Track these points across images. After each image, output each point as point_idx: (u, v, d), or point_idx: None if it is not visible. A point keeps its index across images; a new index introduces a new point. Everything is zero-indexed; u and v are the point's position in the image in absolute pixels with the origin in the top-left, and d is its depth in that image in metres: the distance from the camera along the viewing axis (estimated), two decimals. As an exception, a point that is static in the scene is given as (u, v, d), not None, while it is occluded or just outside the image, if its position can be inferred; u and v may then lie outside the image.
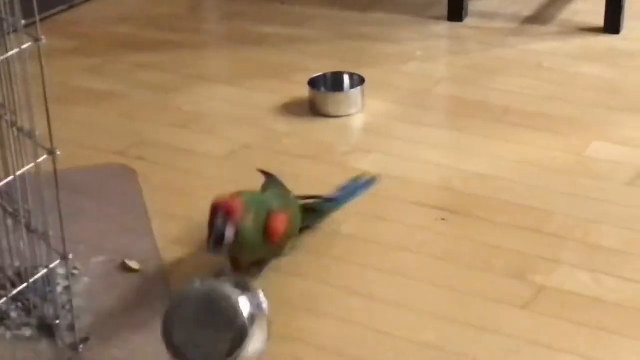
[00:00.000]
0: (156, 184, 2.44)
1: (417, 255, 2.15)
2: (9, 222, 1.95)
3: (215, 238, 1.91)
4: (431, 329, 1.93)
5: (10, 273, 1.98)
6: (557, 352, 1.85)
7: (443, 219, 2.26)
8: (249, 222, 1.96)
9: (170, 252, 2.17)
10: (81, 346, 1.86)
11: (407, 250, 2.17)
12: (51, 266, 1.78)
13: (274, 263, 2.09)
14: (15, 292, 1.74)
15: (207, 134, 2.70)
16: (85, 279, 2.07)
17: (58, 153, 1.69)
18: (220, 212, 1.93)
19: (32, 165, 1.71)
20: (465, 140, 2.60)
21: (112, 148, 2.62)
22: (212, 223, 1.93)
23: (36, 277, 1.78)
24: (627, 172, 2.41)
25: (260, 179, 2.24)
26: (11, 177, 1.73)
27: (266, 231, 1.99)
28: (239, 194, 2.01)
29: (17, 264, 1.98)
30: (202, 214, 2.29)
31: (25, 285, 1.75)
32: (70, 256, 1.77)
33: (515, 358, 1.84)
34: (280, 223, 2.02)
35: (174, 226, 2.27)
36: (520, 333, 1.90)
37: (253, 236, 1.97)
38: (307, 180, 2.41)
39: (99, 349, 1.88)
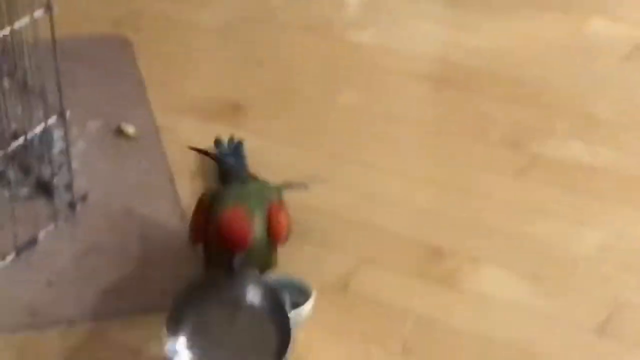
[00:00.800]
0: (152, 55, 2.42)
1: (413, 126, 2.15)
2: (6, 83, 1.94)
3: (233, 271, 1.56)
4: (425, 194, 1.94)
5: (7, 135, 1.98)
6: (550, 217, 1.87)
7: (439, 91, 2.26)
8: (257, 231, 1.59)
9: (165, 119, 2.16)
10: (78, 204, 1.87)
11: (403, 120, 2.17)
12: (49, 122, 1.77)
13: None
14: (13, 146, 1.73)
15: (203, 6, 2.67)
16: (81, 143, 2.07)
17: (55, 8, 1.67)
18: (235, 249, 1.54)
19: (27, 18, 1.69)
20: (462, 15, 2.58)
21: (108, 18, 2.59)
22: (224, 255, 1.55)
23: (34, 131, 1.77)
24: (624, 47, 2.39)
25: (254, 55, 2.17)
26: (7, 30, 1.70)
27: (271, 231, 1.62)
28: (219, 196, 1.63)
29: (14, 126, 1.98)
30: (197, 85, 2.29)
31: (22, 139, 1.74)
32: (68, 113, 1.77)
33: (509, 222, 1.86)
34: (284, 217, 1.66)
35: (169, 95, 2.26)
36: (514, 199, 1.92)
37: (261, 246, 1.61)
38: (305, 54, 2.40)
39: (94, 209, 1.89)
